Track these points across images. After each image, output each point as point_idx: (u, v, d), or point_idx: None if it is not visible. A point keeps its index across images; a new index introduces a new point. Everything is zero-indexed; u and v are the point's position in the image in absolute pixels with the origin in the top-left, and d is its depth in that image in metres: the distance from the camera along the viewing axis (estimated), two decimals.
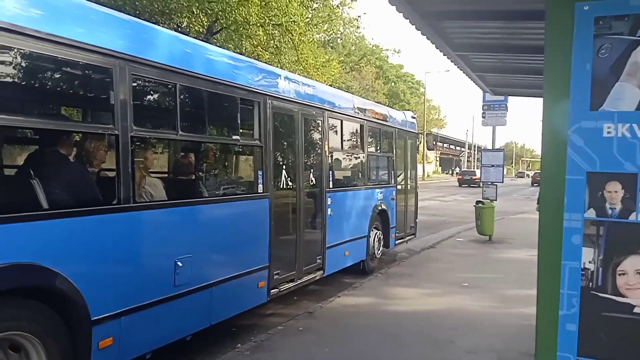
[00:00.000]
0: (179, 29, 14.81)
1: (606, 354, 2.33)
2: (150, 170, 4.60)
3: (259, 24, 17.86)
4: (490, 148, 14.25)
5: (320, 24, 22.96)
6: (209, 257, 4.81)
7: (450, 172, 68.75)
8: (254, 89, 5.43)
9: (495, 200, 12.31)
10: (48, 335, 3.29)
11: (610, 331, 2.32)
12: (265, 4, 17.29)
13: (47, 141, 3.87)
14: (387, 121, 9.32)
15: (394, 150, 9.68)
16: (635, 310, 2.27)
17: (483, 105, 13.40)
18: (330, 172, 7.20)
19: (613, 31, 2.29)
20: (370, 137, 8.75)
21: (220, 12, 15.91)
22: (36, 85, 3.78)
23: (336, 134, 7.56)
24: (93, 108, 4.85)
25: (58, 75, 3.86)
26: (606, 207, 2.34)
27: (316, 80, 22.71)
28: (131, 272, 3.89)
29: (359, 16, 29.61)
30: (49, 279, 3.24)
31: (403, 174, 10.28)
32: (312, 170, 6.90)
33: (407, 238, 10.49)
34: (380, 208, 8.89)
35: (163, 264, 4.21)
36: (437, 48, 4.76)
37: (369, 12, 35.49)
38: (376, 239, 8.78)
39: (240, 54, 23.84)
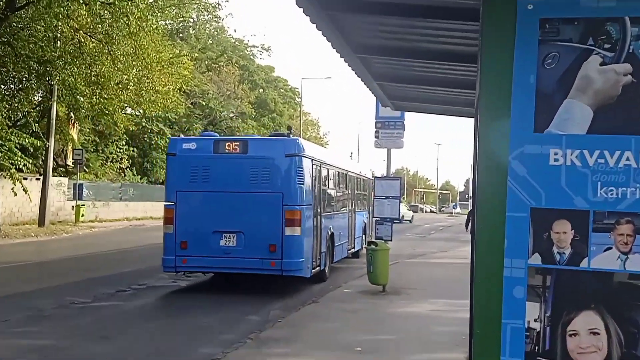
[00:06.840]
0: None
1: None
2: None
3: (80, 0, 17.13)
4: (385, 175, 14.90)
5: (168, 8, 22.63)
6: (347, 234, 16.94)
7: None
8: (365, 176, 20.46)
9: (391, 240, 12.82)
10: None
11: None
12: None
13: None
14: (364, 175, 20.32)
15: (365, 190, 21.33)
16: None
17: (376, 123, 13.96)
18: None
19: (561, 37, 2.45)
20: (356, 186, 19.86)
21: None
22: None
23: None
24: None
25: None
26: (554, 252, 2.46)
27: (162, 81, 22.26)
28: (341, 230, 16.32)
29: (218, 3, 29.70)
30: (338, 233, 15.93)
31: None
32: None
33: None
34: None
35: (344, 231, 16.54)
36: (333, 47, 4.84)
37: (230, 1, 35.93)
38: None
39: (55, 39, 22.46)
